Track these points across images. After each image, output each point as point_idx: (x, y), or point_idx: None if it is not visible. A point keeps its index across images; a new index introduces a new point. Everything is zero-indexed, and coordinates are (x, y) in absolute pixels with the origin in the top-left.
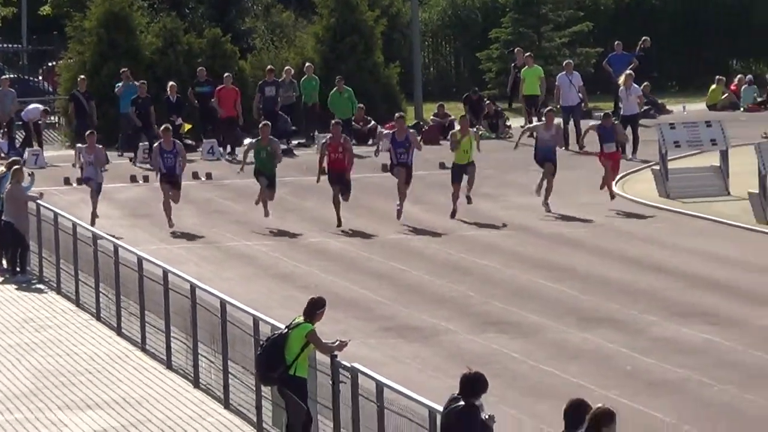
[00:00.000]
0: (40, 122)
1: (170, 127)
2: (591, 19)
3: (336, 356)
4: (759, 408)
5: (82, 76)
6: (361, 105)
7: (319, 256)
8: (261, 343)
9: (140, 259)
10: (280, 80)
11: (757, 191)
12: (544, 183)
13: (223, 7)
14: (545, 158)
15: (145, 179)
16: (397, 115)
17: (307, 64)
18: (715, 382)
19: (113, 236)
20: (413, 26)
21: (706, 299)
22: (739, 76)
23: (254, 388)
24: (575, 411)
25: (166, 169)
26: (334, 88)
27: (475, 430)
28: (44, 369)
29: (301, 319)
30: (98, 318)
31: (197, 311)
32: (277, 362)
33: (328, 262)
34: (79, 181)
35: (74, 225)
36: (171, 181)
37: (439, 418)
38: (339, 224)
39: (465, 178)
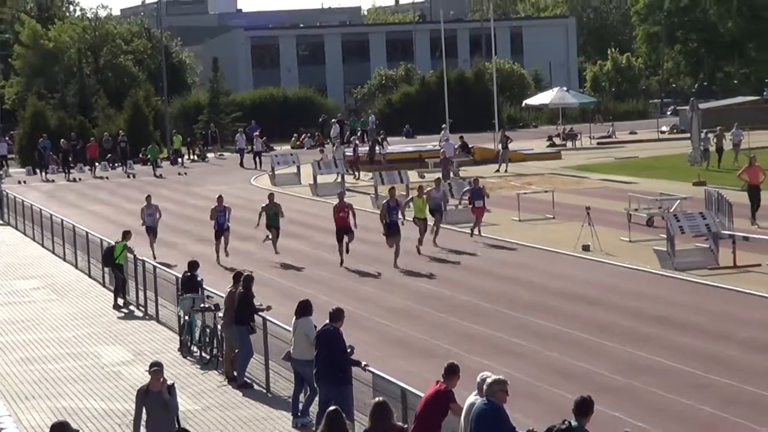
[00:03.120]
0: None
1: (222, 197)
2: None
3: (134, 253)
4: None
5: (45, 138)
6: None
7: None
8: (104, 249)
9: (40, 209)
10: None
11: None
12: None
13: (84, 107)
14: (436, 210)
15: (52, 181)
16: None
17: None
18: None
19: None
20: None
21: None
22: (303, 134)
23: (101, 268)
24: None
25: (218, 225)
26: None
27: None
28: None
29: (120, 239)
30: None
31: (64, 229)
32: (110, 257)
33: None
34: (147, 229)
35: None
36: (222, 232)
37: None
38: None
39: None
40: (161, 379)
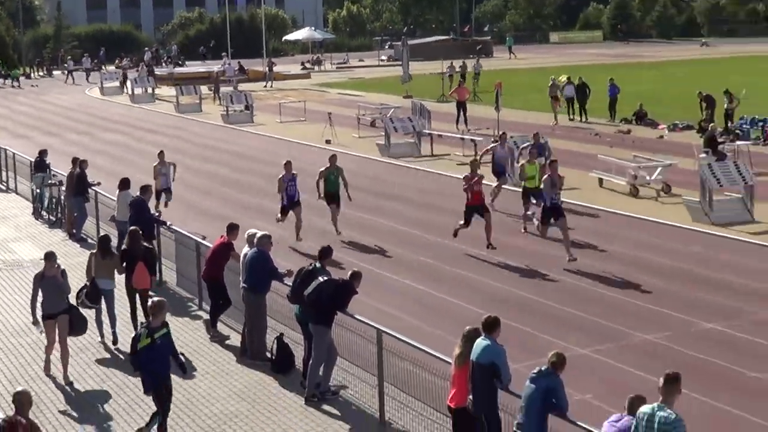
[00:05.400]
0: None
1: (290, 162)
2: None
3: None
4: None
5: None
6: None
7: None
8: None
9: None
10: None
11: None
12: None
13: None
14: (501, 173)
15: None
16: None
17: None
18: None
19: None
20: None
21: None
22: (124, 58)
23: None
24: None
25: (288, 198)
26: None
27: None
28: None
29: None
30: None
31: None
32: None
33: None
34: (158, 193)
35: None
36: (292, 206)
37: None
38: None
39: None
40: (55, 266)
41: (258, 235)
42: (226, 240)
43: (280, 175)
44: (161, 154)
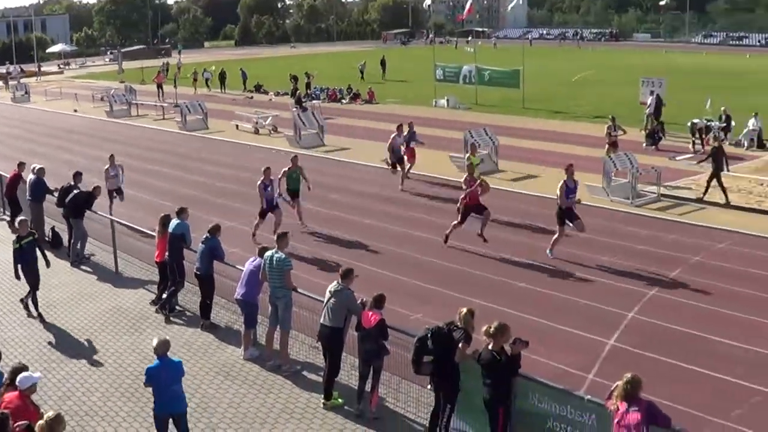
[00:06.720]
0: None
1: (270, 169)
2: None
3: None
4: None
5: None
6: None
7: None
8: None
9: None
10: None
11: None
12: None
13: None
14: (401, 161)
15: None
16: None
17: None
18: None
19: None
20: None
21: None
22: None
23: None
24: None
25: (267, 201)
26: None
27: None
28: None
29: None
30: None
31: None
32: None
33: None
34: (110, 193)
35: None
36: (271, 209)
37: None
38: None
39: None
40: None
41: (37, 168)
42: (17, 172)
43: (259, 181)
44: (112, 157)
